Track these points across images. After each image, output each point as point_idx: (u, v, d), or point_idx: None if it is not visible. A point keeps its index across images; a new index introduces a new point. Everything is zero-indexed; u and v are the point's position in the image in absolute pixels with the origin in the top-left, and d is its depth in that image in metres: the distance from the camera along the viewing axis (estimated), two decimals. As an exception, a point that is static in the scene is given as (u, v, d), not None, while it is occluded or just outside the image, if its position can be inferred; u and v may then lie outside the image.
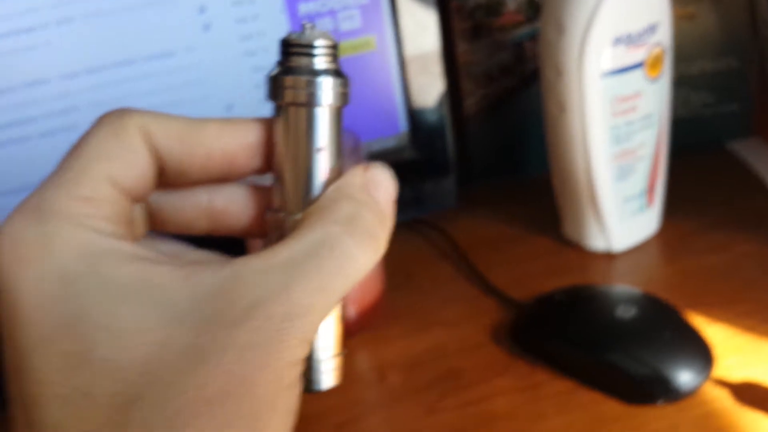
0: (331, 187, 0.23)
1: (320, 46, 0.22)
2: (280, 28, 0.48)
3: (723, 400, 0.38)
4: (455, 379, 0.42)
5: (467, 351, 0.44)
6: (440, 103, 0.53)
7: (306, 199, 0.23)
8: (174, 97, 0.47)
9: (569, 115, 0.48)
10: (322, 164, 0.23)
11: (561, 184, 0.53)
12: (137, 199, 0.23)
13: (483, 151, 0.64)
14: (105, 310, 0.20)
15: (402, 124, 0.53)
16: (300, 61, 0.22)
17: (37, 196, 0.21)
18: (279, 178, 0.23)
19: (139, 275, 0.20)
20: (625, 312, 0.41)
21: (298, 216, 0.22)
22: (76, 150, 0.22)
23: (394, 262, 0.54)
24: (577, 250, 0.53)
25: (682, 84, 0.63)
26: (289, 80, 0.22)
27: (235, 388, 0.19)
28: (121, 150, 0.22)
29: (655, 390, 0.38)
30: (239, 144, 0.23)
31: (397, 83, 0.52)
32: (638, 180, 0.51)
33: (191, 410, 0.19)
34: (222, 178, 0.24)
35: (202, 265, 0.21)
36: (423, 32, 0.52)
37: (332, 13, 0.49)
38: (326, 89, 0.22)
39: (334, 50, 0.22)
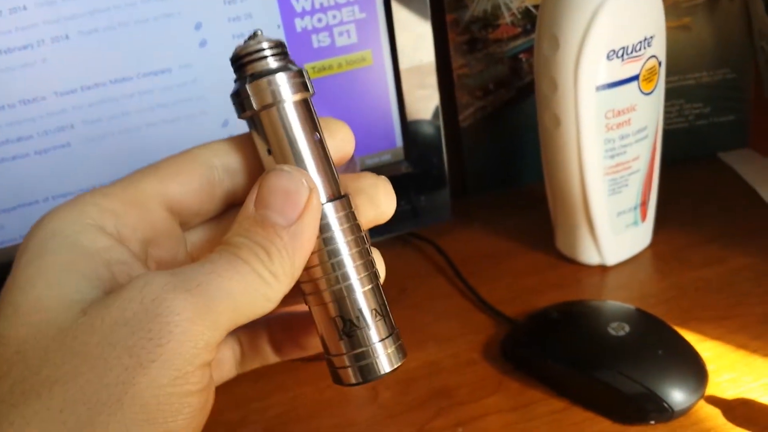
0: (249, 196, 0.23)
1: (265, 48, 0.22)
2: (276, 44, 0.48)
3: (715, 418, 0.38)
4: (448, 397, 0.42)
5: (460, 368, 0.45)
6: (436, 117, 0.53)
7: None
8: (171, 114, 0.47)
9: (564, 128, 0.48)
10: (310, 154, 0.23)
11: (555, 199, 0.53)
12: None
13: (479, 164, 0.64)
14: (31, 282, 0.21)
15: (398, 138, 0.53)
16: (253, 69, 0.22)
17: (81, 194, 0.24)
18: None
19: (78, 258, 0.22)
20: (618, 329, 0.41)
21: None
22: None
23: (387, 276, 0.54)
24: (570, 263, 0.54)
25: (677, 95, 0.63)
26: (249, 88, 0.22)
27: (88, 371, 0.20)
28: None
29: (647, 409, 0.38)
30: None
31: (393, 97, 0.52)
32: (631, 194, 0.51)
33: (36, 387, 0.20)
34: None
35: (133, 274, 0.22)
36: (419, 46, 0.52)
37: (328, 28, 0.49)
38: (284, 83, 0.22)
39: (280, 48, 0.23)
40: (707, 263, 0.52)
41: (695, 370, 0.40)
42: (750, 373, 0.41)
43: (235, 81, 0.23)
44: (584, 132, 0.48)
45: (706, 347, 0.43)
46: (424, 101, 0.53)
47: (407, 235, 0.59)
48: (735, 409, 0.39)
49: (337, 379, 0.24)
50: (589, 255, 0.53)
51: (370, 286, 0.24)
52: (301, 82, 0.23)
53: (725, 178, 0.62)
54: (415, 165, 0.54)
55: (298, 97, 0.23)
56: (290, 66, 0.23)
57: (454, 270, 0.54)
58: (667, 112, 0.63)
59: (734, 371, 0.41)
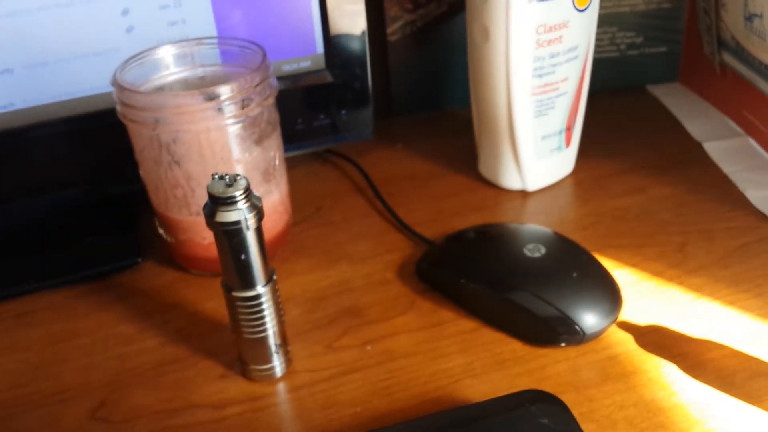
0: None
1: (239, 193, 0.31)
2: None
3: (627, 344, 0.38)
4: (358, 316, 0.41)
5: (372, 287, 0.43)
6: (361, 26, 0.50)
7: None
8: (62, -2, 0.42)
9: (493, 42, 0.46)
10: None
11: (480, 119, 0.51)
12: None
13: (405, 82, 0.61)
14: None
15: (319, 44, 0.50)
16: (228, 208, 0.31)
17: None
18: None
19: None
20: (534, 251, 0.40)
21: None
22: None
23: (303, 194, 0.52)
24: (492, 188, 0.52)
25: (610, 22, 0.62)
26: (222, 224, 0.32)
27: None
28: None
29: (558, 331, 0.37)
30: None
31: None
32: (557, 117, 0.50)
33: None
34: None
35: None
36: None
37: None
38: (249, 221, 0.32)
39: (247, 190, 0.31)
40: (628, 192, 0.51)
41: (609, 295, 0.40)
42: (664, 301, 0.41)
43: (217, 209, 0.31)
44: (514, 47, 0.46)
45: (621, 274, 0.42)
46: (349, 7, 0.49)
47: (325, 152, 0.56)
48: (647, 336, 0.38)
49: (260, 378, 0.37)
50: (511, 180, 0.51)
51: (280, 329, 0.36)
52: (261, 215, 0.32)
53: (652, 111, 0.61)
54: (336, 75, 0.51)
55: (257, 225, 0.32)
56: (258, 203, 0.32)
57: (373, 189, 0.52)
58: (599, 40, 0.62)
59: (648, 299, 0.41)
